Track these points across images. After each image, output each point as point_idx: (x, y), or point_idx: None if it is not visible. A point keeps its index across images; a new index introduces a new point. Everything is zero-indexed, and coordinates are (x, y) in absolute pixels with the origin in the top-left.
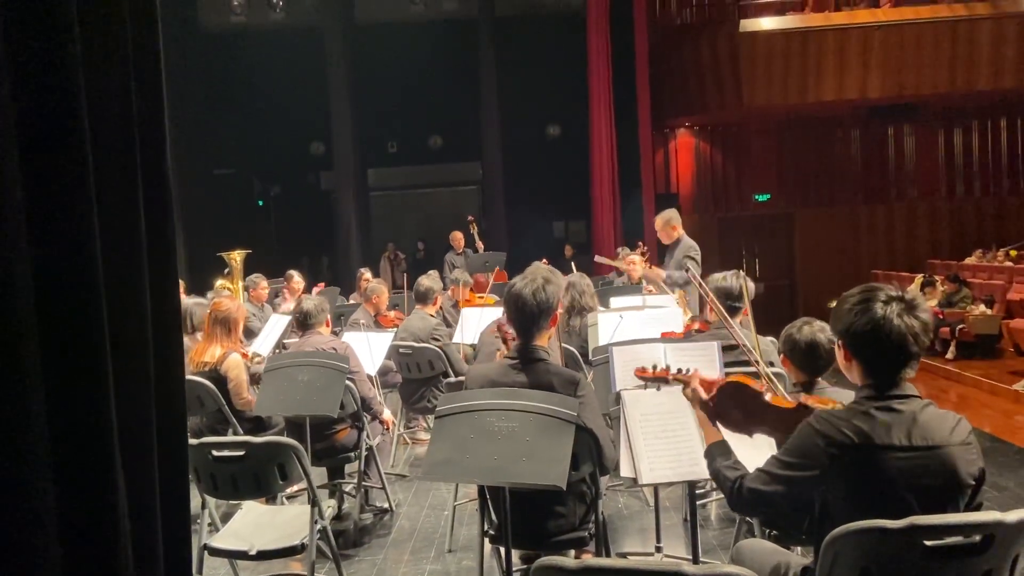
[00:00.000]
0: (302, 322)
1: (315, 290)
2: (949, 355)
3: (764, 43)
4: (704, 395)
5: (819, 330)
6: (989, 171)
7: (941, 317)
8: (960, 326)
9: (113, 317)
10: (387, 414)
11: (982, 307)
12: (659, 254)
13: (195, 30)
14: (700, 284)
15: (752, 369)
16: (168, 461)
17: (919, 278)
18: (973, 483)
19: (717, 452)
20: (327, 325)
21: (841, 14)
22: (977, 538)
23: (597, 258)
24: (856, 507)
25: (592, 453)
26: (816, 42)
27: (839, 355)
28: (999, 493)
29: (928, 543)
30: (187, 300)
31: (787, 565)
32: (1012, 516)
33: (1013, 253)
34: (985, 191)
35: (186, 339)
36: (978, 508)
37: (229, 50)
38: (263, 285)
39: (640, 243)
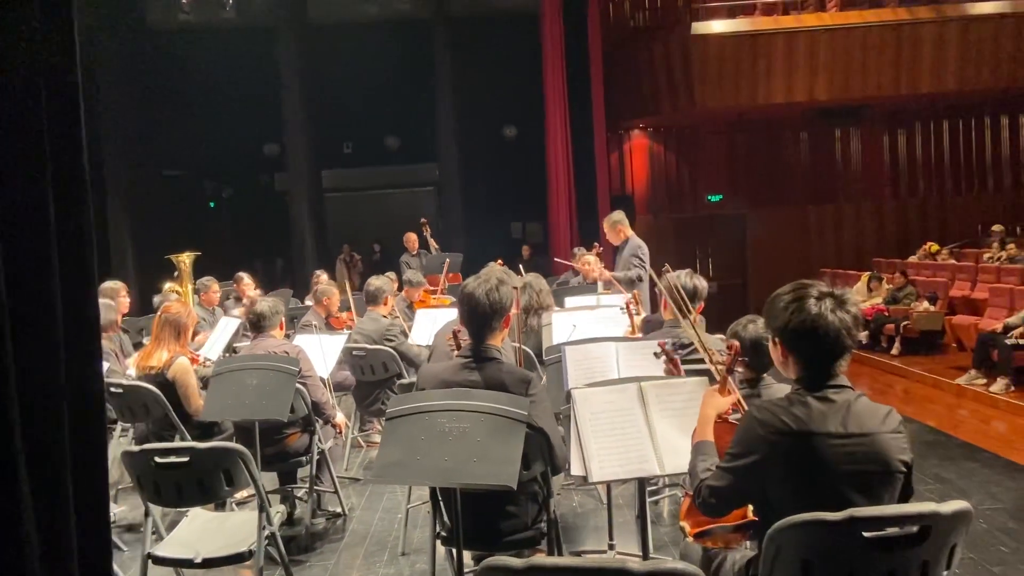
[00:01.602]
0: (255, 324)
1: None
2: (894, 351)
3: (715, 46)
4: (725, 410)
5: (764, 327)
6: (932, 172)
7: (886, 314)
8: (905, 323)
9: (16, 315)
10: (340, 417)
11: (926, 304)
12: (614, 255)
13: (142, 28)
14: (672, 286)
15: (704, 367)
16: (85, 469)
17: (865, 275)
18: (904, 470)
19: (701, 451)
20: (281, 328)
21: (789, 18)
22: (914, 529)
23: (557, 259)
24: (795, 494)
25: (543, 452)
26: (765, 45)
27: (775, 351)
28: (941, 485)
29: (867, 534)
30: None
31: (732, 558)
32: (948, 507)
33: (934, 248)
34: (928, 191)
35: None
36: (910, 495)
37: (178, 49)
38: (214, 288)
39: (596, 244)
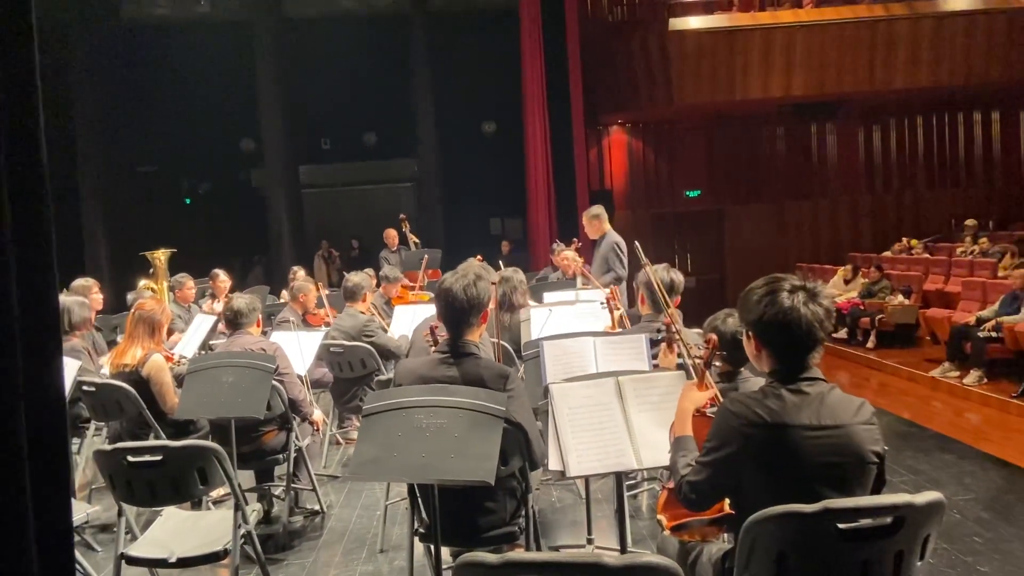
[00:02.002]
0: (232, 321)
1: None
2: (870, 344)
3: (693, 42)
4: (703, 404)
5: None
6: (906, 167)
7: (862, 307)
8: (880, 316)
9: None
10: (317, 414)
11: (900, 297)
12: (592, 249)
13: (116, 21)
14: (654, 280)
15: (681, 360)
16: (46, 476)
17: (842, 270)
18: (877, 461)
19: (681, 446)
20: (258, 325)
21: (766, 14)
22: (888, 520)
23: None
24: (769, 486)
25: (521, 448)
26: (742, 41)
27: (748, 345)
28: (915, 476)
29: (842, 526)
30: (66, 298)
31: (708, 551)
32: (921, 498)
33: (914, 243)
34: (903, 186)
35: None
36: (882, 485)
37: (153, 42)
38: (189, 285)
39: (575, 239)
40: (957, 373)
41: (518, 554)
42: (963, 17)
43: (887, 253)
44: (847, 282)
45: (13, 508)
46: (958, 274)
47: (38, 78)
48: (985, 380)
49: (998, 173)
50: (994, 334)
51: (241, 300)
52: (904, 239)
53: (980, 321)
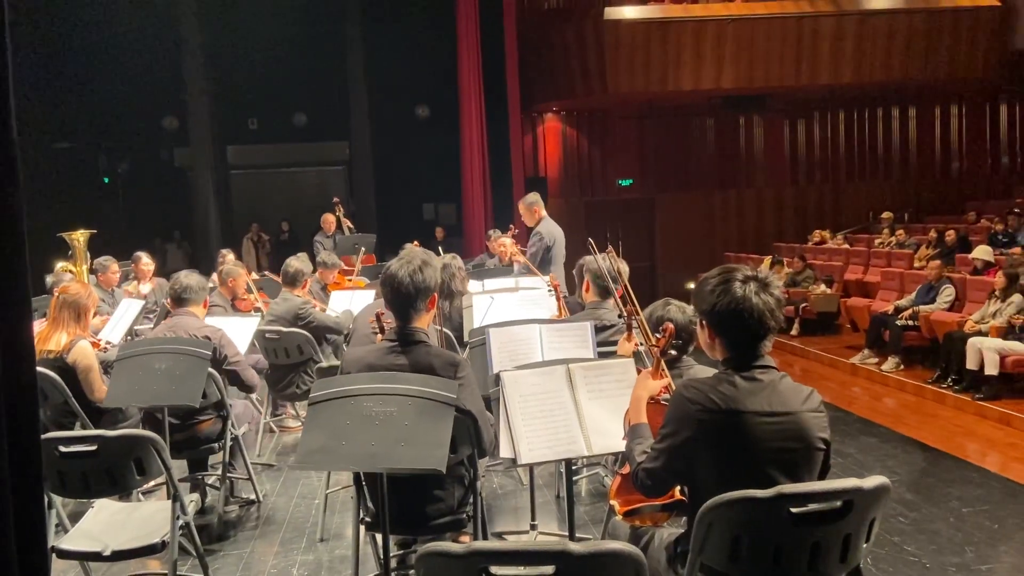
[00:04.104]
0: (178, 298)
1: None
2: (793, 332)
3: (627, 31)
4: (657, 392)
5: (679, 310)
6: (828, 160)
7: (786, 296)
8: (803, 304)
9: None
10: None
11: (822, 287)
12: (527, 236)
13: None
14: (623, 271)
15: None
16: (20, 461)
17: (768, 259)
18: (824, 447)
19: (636, 433)
20: (204, 306)
21: (698, 6)
22: (838, 504)
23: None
24: (722, 471)
25: (471, 435)
26: (675, 32)
27: (702, 334)
28: (843, 460)
29: (794, 510)
30: None
31: (660, 535)
32: (869, 483)
33: (826, 235)
34: (824, 178)
35: None
36: (827, 471)
37: (69, 12)
38: (114, 269)
39: (511, 226)
40: (876, 360)
41: (482, 544)
42: (884, 15)
43: (810, 243)
44: (772, 272)
45: None
46: (877, 264)
47: (9, 59)
48: (902, 366)
49: (913, 167)
50: (911, 322)
51: (192, 277)
52: (817, 231)
53: (898, 310)
